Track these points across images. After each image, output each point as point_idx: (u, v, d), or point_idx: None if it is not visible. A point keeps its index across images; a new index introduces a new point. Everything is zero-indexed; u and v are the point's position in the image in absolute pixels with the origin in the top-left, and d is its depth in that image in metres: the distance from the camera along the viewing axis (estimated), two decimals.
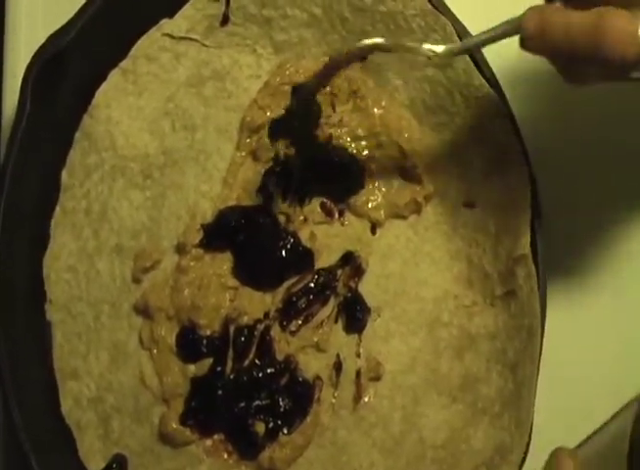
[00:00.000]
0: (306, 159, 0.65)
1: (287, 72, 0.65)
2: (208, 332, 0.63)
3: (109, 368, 0.64)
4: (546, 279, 0.61)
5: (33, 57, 0.61)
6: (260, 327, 0.64)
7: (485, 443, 0.60)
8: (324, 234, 0.65)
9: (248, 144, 0.65)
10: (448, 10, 0.63)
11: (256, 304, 0.64)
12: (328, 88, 0.65)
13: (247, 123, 0.65)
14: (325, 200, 0.66)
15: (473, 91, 0.62)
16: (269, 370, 0.63)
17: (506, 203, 0.61)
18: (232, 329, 0.63)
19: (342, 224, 0.66)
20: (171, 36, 0.65)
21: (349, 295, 0.64)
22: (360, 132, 0.65)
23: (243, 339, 0.63)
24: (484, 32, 0.55)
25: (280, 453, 0.62)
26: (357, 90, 0.64)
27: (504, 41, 0.54)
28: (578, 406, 0.65)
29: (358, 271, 0.64)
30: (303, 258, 0.65)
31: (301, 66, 0.65)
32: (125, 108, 0.65)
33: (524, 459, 0.59)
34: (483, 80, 0.62)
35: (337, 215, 0.66)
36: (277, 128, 0.65)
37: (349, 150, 0.65)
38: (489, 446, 0.60)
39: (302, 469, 0.62)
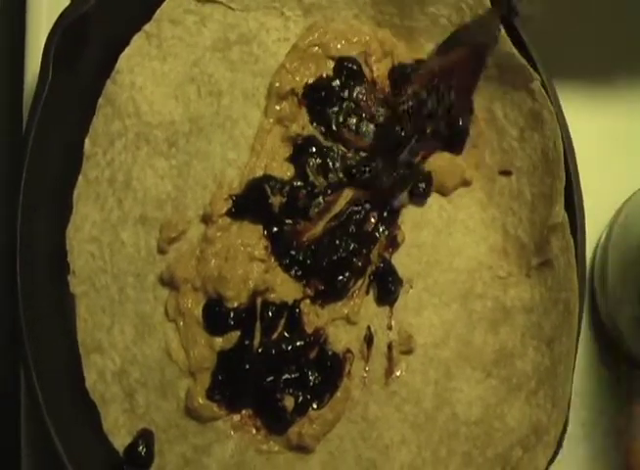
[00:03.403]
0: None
1: (316, 34, 0.63)
2: (236, 304, 0.61)
3: (134, 341, 0.62)
4: (585, 253, 0.59)
5: (55, 22, 0.60)
6: (289, 302, 0.62)
7: (521, 421, 0.59)
8: None
9: (276, 110, 0.63)
10: None
11: (288, 289, 0.62)
12: (361, 49, 0.63)
13: (275, 89, 0.63)
14: None
15: (505, 59, 0.60)
16: (298, 343, 0.61)
17: (541, 169, 0.60)
18: (259, 301, 0.61)
19: None
20: None
21: (382, 265, 0.62)
22: None
23: (271, 312, 0.61)
24: None
25: (309, 429, 0.60)
26: (391, 51, 0.63)
27: None
28: None
29: (394, 243, 0.62)
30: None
31: (331, 28, 0.63)
32: (149, 73, 0.63)
33: (561, 440, 0.57)
34: (515, 50, 0.60)
35: None
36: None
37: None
38: (524, 425, 0.59)
39: (332, 445, 0.61)
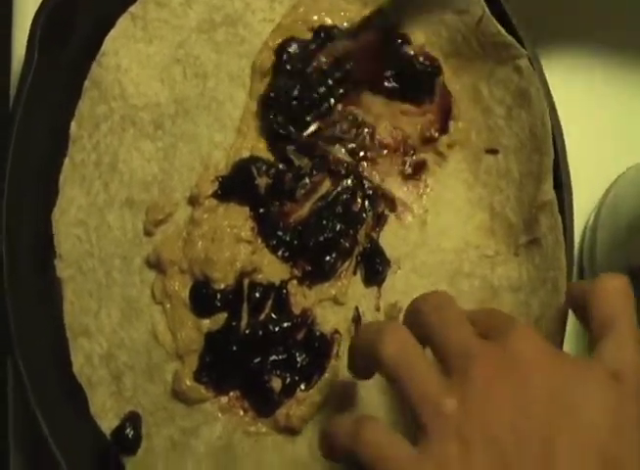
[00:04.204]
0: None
1: (300, 10, 0.62)
2: (222, 286, 0.61)
3: (120, 325, 0.62)
4: (573, 232, 0.59)
5: (42, 3, 0.60)
6: (276, 282, 0.62)
7: None
8: None
9: (259, 89, 0.63)
10: None
11: (275, 270, 0.62)
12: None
13: (258, 67, 0.62)
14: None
15: (490, 37, 0.60)
16: (285, 324, 0.61)
17: (529, 146, 0.59)
18: (246, 282, 0.61)
19: None
20: None
21: (369, 246, 0.62)
22: None
23: (258, 293, 0.61)
24: None
25: (297, 410, 0.60)
26: None
27: None
28: None
29: (380, 221, 0.62)
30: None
31: (316, 7, 0.63)
32: (135, 55, 0.63)
33: None
34: (500, 27, 0.59)
35: None
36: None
37: None
38: None
39: (320, 426, 0.60)
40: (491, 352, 0.47)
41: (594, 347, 0.49)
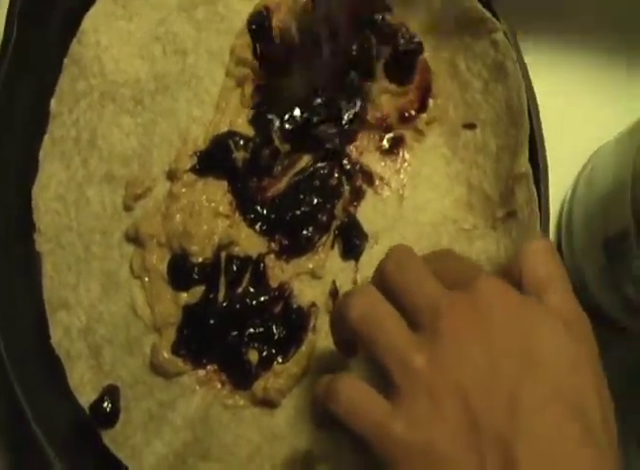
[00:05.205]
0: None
1: None
2: (200, 259, 0.61)
3: (99, 298, 0.62)
4: (548, 202, 0.59)
5: None
6: (254, 255, 0.62)
7: None
8: None
9: (236, 71, 0.63)
10: None
11: (253, 243, 0.62)
12: None
13: (236, 54, 0.63)
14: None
15: (465, 13, 0.60)
16: (263, 298, 0.61)
17: (505, 120, 0.60)
18: (223, 256, 0.61)
19: None
20: None
21: (347, 220, 0.62)
22: None
23: (235, 266, 0.61)
24: None
25: (274, 383, 0.60)
26: None
27: None
28: None
29: (358, 195, 0.62)
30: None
31: None
32: (115, 33, 0.64)
33: None
34: (476, 2, 0.60)
35: None
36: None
37: None
38: None
39: (298, 400, 0.60)
40: (458, 305, 0.47)
41: None
